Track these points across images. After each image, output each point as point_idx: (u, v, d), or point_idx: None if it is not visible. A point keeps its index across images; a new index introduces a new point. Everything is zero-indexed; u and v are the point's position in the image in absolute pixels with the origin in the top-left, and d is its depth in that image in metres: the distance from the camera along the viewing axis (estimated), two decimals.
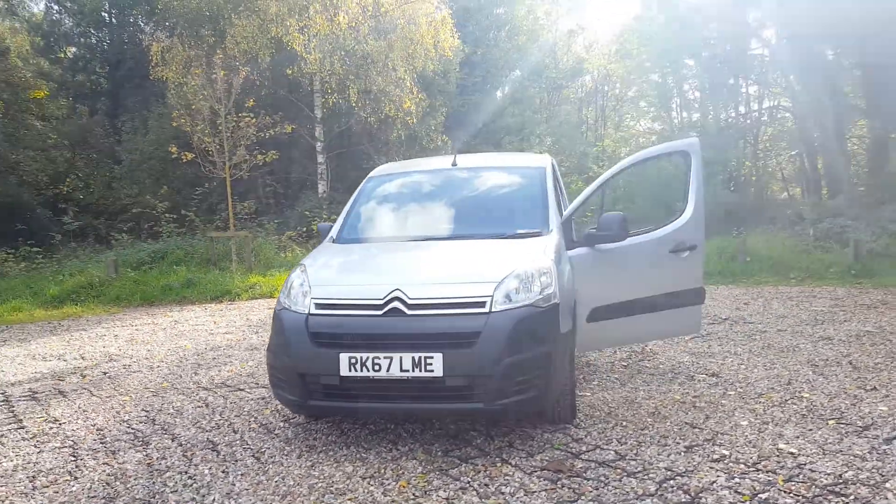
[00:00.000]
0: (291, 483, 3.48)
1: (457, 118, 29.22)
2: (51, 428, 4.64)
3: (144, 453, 4.04)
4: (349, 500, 3.26)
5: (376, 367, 3.59)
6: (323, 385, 3.72)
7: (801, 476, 3.38)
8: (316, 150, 21.40)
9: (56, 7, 30.84)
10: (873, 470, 3.41)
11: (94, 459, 3.97)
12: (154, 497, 3.39)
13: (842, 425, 4.11)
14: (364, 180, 5.56)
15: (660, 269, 5.14)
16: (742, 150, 25.24)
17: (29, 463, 3.95)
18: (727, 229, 15.63)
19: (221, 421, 4.65)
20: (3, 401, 5.47)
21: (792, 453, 3.68)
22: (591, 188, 5.06)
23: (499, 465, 3.63)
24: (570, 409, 4.17)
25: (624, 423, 4.26)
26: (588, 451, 3.80)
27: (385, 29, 19.87)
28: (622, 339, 5.37)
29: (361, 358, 3.61)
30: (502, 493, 3.27)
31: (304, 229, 18.51)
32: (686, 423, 4.25)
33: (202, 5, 20.31)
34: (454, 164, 5.50)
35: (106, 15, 28.88)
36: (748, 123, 26.40)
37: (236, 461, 3.84)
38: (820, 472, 3.41)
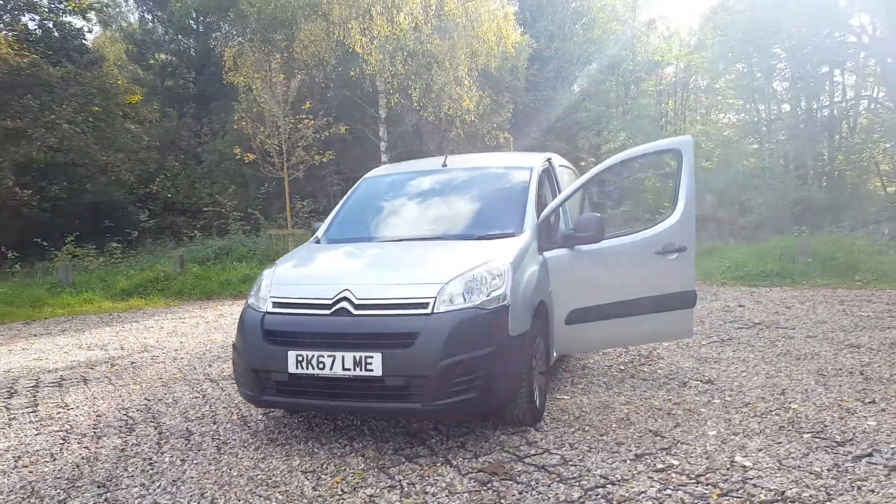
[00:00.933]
0: (235, 474, 3.66)
1: (526, 115, 29.01)
2: (58, 413, 5.05)
3: (124, 440, 4.34)
4: (279, 493, 3.39)
5: (321, 366, 3.72)
6: (274, 381, 3.88)
7: (740, 491, 3.23)
8: (380, 149, 21.82)
9: (149, 16, 32.94)
10: (821, 488, 3.22)
11: (79, 443, 4.31)
12: (110, 480, 3.66)
13: (816, 439, 3.88)
14: (358, 182, 5.71)
15: (645, 271, 5.00)
16: (834, 143, 23.67)
17: (21, 444, 4.34)
18: (807, 227, 14.78)
19: (207, 412, 4.91)
20: (32, 386, 5.98)
21: (744, 466, 3.52)
22: (572, 188, 4.97)
23: (440, 465, 3.67)
24: (529, 411, 4.13)
25: (586, 429, 4.19)
26: (534, 455, 3.78)
27: (447, 28, 20.01)
28: (605, 342, 5.25)
29: (307, 356, 3.75)
30: (426, 493, 3.32)
31: None
32: (650, 430, 4.13)
33: (276, 11, 21.17)
34: (444, 165, 5.54)
35: (192, 22, 30.50)
36: (839, 114, 24.72)
37: (199, 451, 4.06)
38: (762, 489, 3.25)
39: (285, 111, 14.99)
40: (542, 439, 4.03)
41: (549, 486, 3.36)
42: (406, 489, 3.36)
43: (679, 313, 5.04)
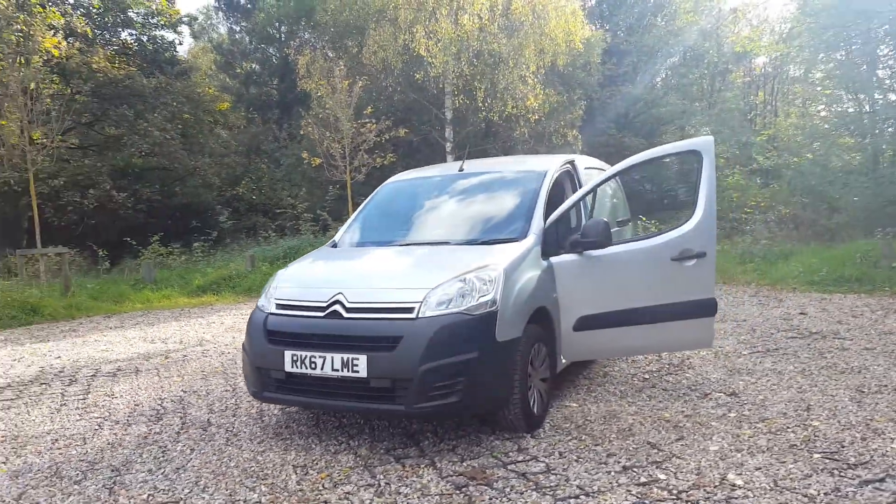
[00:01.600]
0: (232, 465, 3.87)
1: (602, 110, 28.45)
2: (103, 401, 5.48)
3: (149, 428, 4.67)
4: (264, 484, 3.57)
5: (313, 365, 3.87)
6: (274, 379, 4.07)
7: None
8: (446, 150, 22.02)
9: (236, 27, 34.62)
10: None
11: (111, 430, 4.67)
12: (124, 465, 3.96)
13: (826, 460, 3.67)
14: (379, 187, 5.85)
15: (660, 277, 4.86)
16: None
17: (63, 428, 4.75)
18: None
19: (231, 405, 5.19)
20: (91, 375, 6.49)
21: (734, 485, 3.39)
22: (582, 192, 4.91)
23: (423, 466, 3.74)
24: (524, 417, 4.12)
25: (583, 438, 4.14)
26: (520, 462, 3.78)
27: (513, 27, 19.95)
28: (617, 350, 5.13)
29: (301, 356, 3.91)
30: (398, 493, 3.40)
31: None
32: (649, 442, 4.03)
33: (350, 17, 21.81)
34: (460, 170, 5.60)
35: (274, 31, 31.80)
36: None
37: (210, 441, 4.32)
38: None
39: (348, 116, 15.41)
40: (534, 446, 4.02)
41: (521, 493, 3.36)
42: (382, 488, 3.46)
43: (698, 322, 4.88)
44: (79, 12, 22.27)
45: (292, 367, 3.94)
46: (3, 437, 4.61)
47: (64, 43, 20.56)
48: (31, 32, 19.37)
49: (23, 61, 21.31)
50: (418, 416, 3.92)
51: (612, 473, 3.58)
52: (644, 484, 3.44)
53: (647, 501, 3.24)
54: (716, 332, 7.21)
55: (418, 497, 3.35)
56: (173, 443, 4.33)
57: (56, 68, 21.38)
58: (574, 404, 4.87)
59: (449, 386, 3.69)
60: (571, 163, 5.63)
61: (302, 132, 16.81)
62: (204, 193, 24.72)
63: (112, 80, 22.03)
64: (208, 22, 41.38)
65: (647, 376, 5.61)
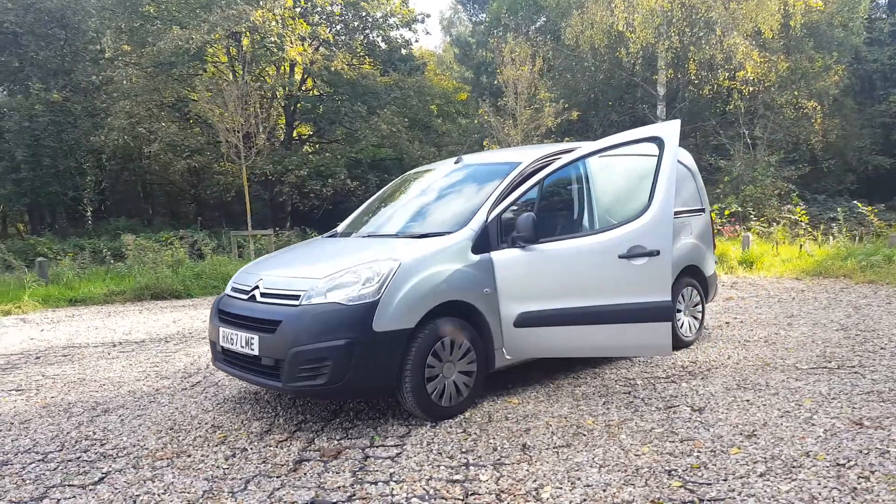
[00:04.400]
0: (204, 415, 4.66)
1: (875, 75, 24.17)
2: (181, 358, 6.74)
3: (180, 383, 5.72)
4: (220, 437, 4.28)
5: (232, 342, 4.50)
6: (217, 351, 4.78)
7: None
8: None
9: (474, 19, 36.35)
10: None
11: (154, 380, 5.83)
12: (123, 407, 5.00)
13: (687, 488, 3.24)
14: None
15: (606, 276, 4.53)
16: None
17: (119, 375, 6.05)
18: None
19: None
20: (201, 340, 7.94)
21: (539, 499, 3.22)
22: (529, 184, 4.72)
23: (298, 439, 4.13)
24: (419, 407, 4.25)
25: (471, 432, 4.14)
26: (378, 447, 3.97)
27: None
28: (563, 349, 4.80)
29: (227, 333, 4.56)
30: (244, 459, 3.86)
31: None
32: (522, 444, 3.90)
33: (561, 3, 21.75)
34: (456, 163, 5.69)
35: (510, 20, 32.72)
36: None
37: (213, 400, 5.17)
38: None
39: (521, 102, 15.56)
40: (412, 434, 4.15)
41: (338, 472, 3.60)
42: (238, 454, 3.93)
43: (651, 326, 4.45)
44: (323, 21, 25.51)
45: (223, 341, 4.61)
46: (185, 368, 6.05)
47: (309, 50, 23.94)
48: (283, 43, 22.90)
49: (277, 69, 25.27)
50: (293, 393, 4.29)
51: (441, 468, 3.61)
52: (455, 482, 3.43)
53: (431, 496, 3.26)
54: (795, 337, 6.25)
55: (258, 462, 3.79)
56: (181, 397, 5.28)
57: (304, 74, 25.00)
58: (516, 400, 4.78)
59: (315, 369, 4.02)
60: (543, 154, 5.24)
61: (477, 121, 17.38)
62: None
63: (349, 80, 24.99)
64: (456, 16, 44.13)
65: (634, 382, 5.16)
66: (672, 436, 3.97)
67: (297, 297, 4.23)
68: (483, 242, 4.63)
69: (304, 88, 27.50)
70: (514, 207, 4.73)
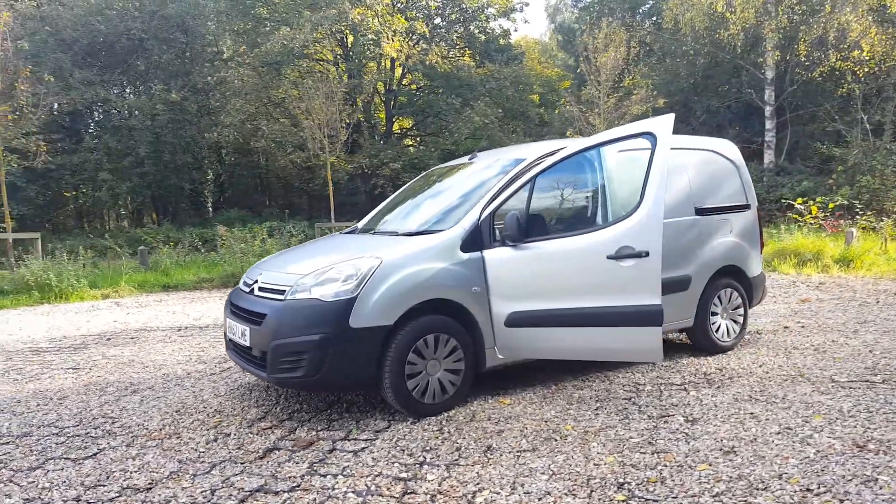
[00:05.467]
0: (216, 399, 5.01)
1: None
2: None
3: (213, 367, 6.12)
4: (215, 421, 4.60)
5: (233, 332, 4.76)
6: (227, 340, 5.06)
7: None
8: (764, 114, 19.41)
9: (579, 5, 35.49)
10: None
11: (184, 365, 6.28)
12: (151, 388, 5.44)
13: (633, 501, 3.11)
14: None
15: (596, 277, 4.37)
16: None
17: (164, 358, 6.53)
18: None
19: None
20: None
21: (471, 503, 3.20)
22: (521, 181, 4.62)
23: (283, 429, 4.32)
24: (399, 402, 4.30)
25: (445, 431, 4.14)
26: (350, 440, 4.07)
27: None
28: (554, 351, 4.63)
29: (231, 324, 4.83)
30: (225, 444, 4.08)
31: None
32: (489, 446, 3.86)
33: None
34: (470, 160, 5.66)
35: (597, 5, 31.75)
36: None
37: (229, 386, 5.52)
38: None
39: (604, 89, 15.05)
40: (387, 430, 4.20)
41: (297, 462, 3.73)
42: (219, 440, 4.16)
43: (640, 331, 4.26)
44: (421, 16, 25.87)
45: (229, 332, 4.88)
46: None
47: (406, 45, 24.38)
48: (380, 39, 23.49)
49: (378, 65, 25.92)
50: (275, 384, 4.44)
51: (398, 465, 3.65)
52: (401, 480, 3.47)
53: (373, 493, 3.32)
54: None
55: (233, 448, 4.00)
56: (205, 381, 5.67)
57: (402, 69, 25.50)
58: (508, 400, 4.71)
59: (294, 361, 4.17)
60: (542, 151, 5.06)
61: (556, 111, 16.97)
62: None
63: (443, 73, 25.24)
64: (562, 2, 43.30)
65: (651, 388, 4.92)
66: (647, 447, 3.78)
67: (282, 292, 4.41)
68: (474, 240, 4.59)
69: (403, 83, 28.11)
70: (509, 205, 4.65)
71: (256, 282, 4.79)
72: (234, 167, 29.29)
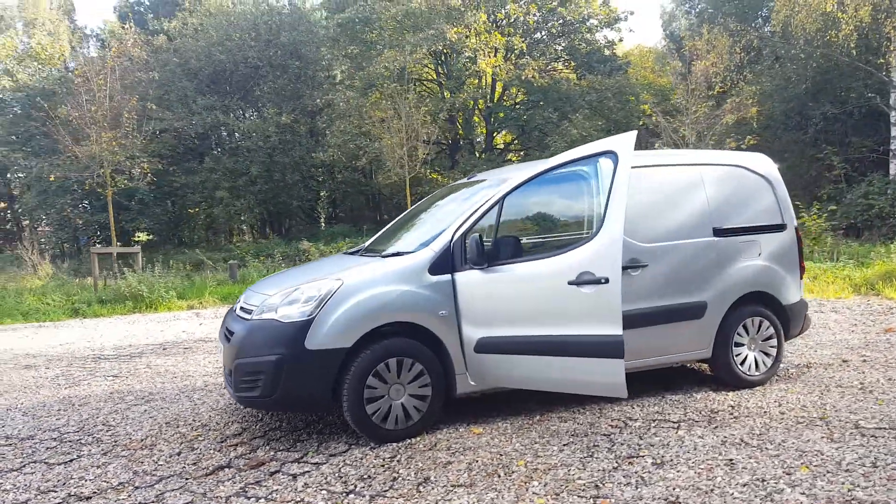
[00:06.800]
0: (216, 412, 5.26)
1: None
2: None
3: None
4: (194, 434, 4.84)
5: (220, 351, 4.94)
6: None
7: None
8: (889, 120, 17.52)
9: (694, 11, 33.85)
10: None
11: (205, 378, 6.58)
12: (173, 394, 5.77)
13: None
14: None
15: (558, 303, 4.14)
16: None
17: (195, 370, 6.89)
18: None
19: None
20: None
21: None
22: (489, 204, 4.45)
23: (244, 447, 4.42)
24: (358, 425, 4.26)
25: (394, 459, 4.05)
26: (302, 462, 4.09)
27: None
28: (520, 380, 4.35)
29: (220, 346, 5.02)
30: (186, 459, 4.23)
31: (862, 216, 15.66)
32: (426, 478, 3.73)
33: None
34: (468, 179, 5.55)
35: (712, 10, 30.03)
36: None
37: (229, 400, 5.75)
38: None
39: (693, 97, 14.21)
40: (342, 455, 4.17)
41: (234, 482, 3.80)
42: (183, 454, 4.31)
43: (602, 363, 3.97)
44: (517, 32, 25.75)
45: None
46: None
47: (501, 60, 24.39)
48: (476, 57, 23.69)
49: (479, 80, 26.10)
50: (239, 402, 4.50)
51: (322, 493, 3.62)
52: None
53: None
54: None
55: (189, 463, 4.14)
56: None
57: (503, 85, 25.49)
58: (480, 430, 4.53)
59: (252, 381, 4.26)
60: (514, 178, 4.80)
61: (641, 122, 16.17)
62: None
63: (540, 88, 24.93)
64: (678, 9, 41.59)
65: (642, 424, 4.54)
66: (589, 490, 3.49)
67: (250, 312, 4.53)
68: (445, 263, 4.47)
69: (501, 99, 28.13)
70: (480, 228, 4.50)
71: (241, 301, 4.95)
72: (343, 184, 30.54)
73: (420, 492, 3.58)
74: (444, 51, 25.31)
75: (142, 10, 33.15)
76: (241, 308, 4.80)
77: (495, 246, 4.39)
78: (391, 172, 17.44)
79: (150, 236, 25.19)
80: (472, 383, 4.54)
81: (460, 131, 27.97)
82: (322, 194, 30.90)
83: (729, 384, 5.34)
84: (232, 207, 25.29)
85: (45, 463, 4.23)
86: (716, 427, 4.41)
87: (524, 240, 4.68)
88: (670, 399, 5.08)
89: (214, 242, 28.25)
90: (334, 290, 4.29)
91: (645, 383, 5.40)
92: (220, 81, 27.12)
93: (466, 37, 23.33)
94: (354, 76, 26.40)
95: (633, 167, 4.92)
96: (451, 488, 3.60)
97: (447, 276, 4.46)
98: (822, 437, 4.11)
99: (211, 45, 26.19)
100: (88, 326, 10.50)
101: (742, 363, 5.31)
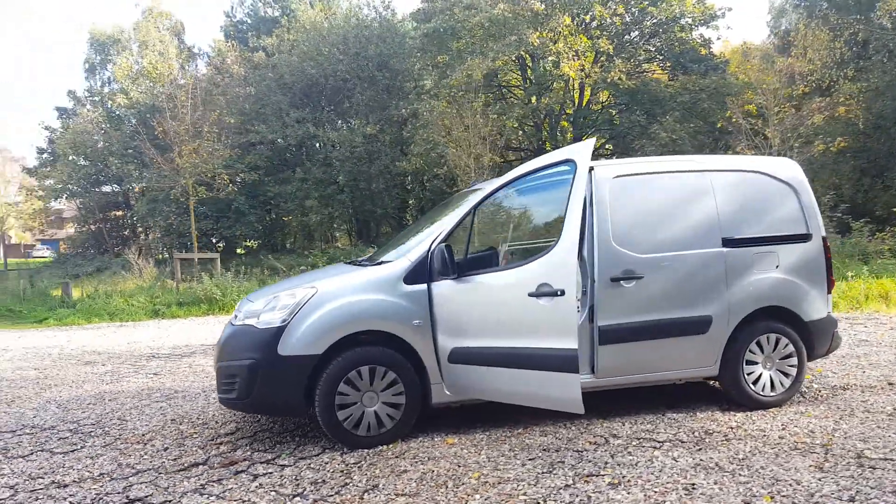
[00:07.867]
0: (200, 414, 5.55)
1: None
2: None
3: None
4: (190, 431, 5.14)
5: None
6: None
7: None
8: None
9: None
10: None
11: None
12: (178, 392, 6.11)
13: None
14: None
15: (519, 315, 4.09)
16: None
17: None
18: None
19: None
20: None
21: None
22: (461, 214, 4.42)
23: (237, 449, 4.61)
24: (330, 430, 4.35)
25: (359, 465, 4.10)
26: (276, 463, 4.22)
27: None
28: (488, 392, 4.23)
29: None
30: (174, 456, 4.47)
31: None
32: (375, 485, 3.75)
33: None
34: (471, 187, 5.52)
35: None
36: None
37: None
38: None
39: (773, 100, 13.30)
40: (313, 458, 4.27)
41: (199, 480, 3.98)
42: (168, 450, 4.55)
43: (557, 377, 3.85)
44: (604, 34, 25.11)
45: None
46: None
47: (587, 64, 23.89)
48: (559, 61, 23.36)
49: (566, 84, 25.69)
50: (221, 403, 4.67)
51: (270, 494, 3.72)
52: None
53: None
54: None
55: (169, 459, 4.36)
56: None
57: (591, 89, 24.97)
58: (453, 440, 4.48)
59: (230, 384, 4.44)
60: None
61: (719, 124, 15.24)
62: None
63: (627, 90, 24.18)
64: (787, 3, 39.15)
65: (622, 441, 4.33)
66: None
67: (236, 318, 4.73)
68: (421, 273, 4.48)
69: (589, 103, 27.55)
70: (455, 238, 4.48)
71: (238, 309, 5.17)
72: (429, 192, 31.02)
73: (363, 498, 3.60)
74: (528, 56, 25.13)
75: (244, 28, 35.25)
76: (234, 314, 5.02)
77: (466, 256, 4.35)
78: (458, 180, 17.51)
79: (250, 242, 26.69)
80: (448, 393, 4.51)
81: (545, 137, 27.63)
82: (410, 202, 31.51)
83: (742, 405, 4.98)
84: (321, 215, 26.29)
85: (51, 452, 4.61)
86: (700, 449, 4.13)
87: (500, 249, 4.61)
88: (668, 417, 4.81)
89: (310, 248, 29.50)
90: (308, 298, 4.40)
91: (652, 399, 5.16)
92: (312, 95, 28.30)
93: (553, 41, 23.04)
94: (440, 85, 26.74)
95: (628, 175, 4.79)
96: (394, 497, 3.60)
97: (423, 286, 4.46)
98: (810, 466, 3.76)
99: (303, 59, 27.39)
100: (163, 326, 11.28)
101: (755, 382, 4.95)
